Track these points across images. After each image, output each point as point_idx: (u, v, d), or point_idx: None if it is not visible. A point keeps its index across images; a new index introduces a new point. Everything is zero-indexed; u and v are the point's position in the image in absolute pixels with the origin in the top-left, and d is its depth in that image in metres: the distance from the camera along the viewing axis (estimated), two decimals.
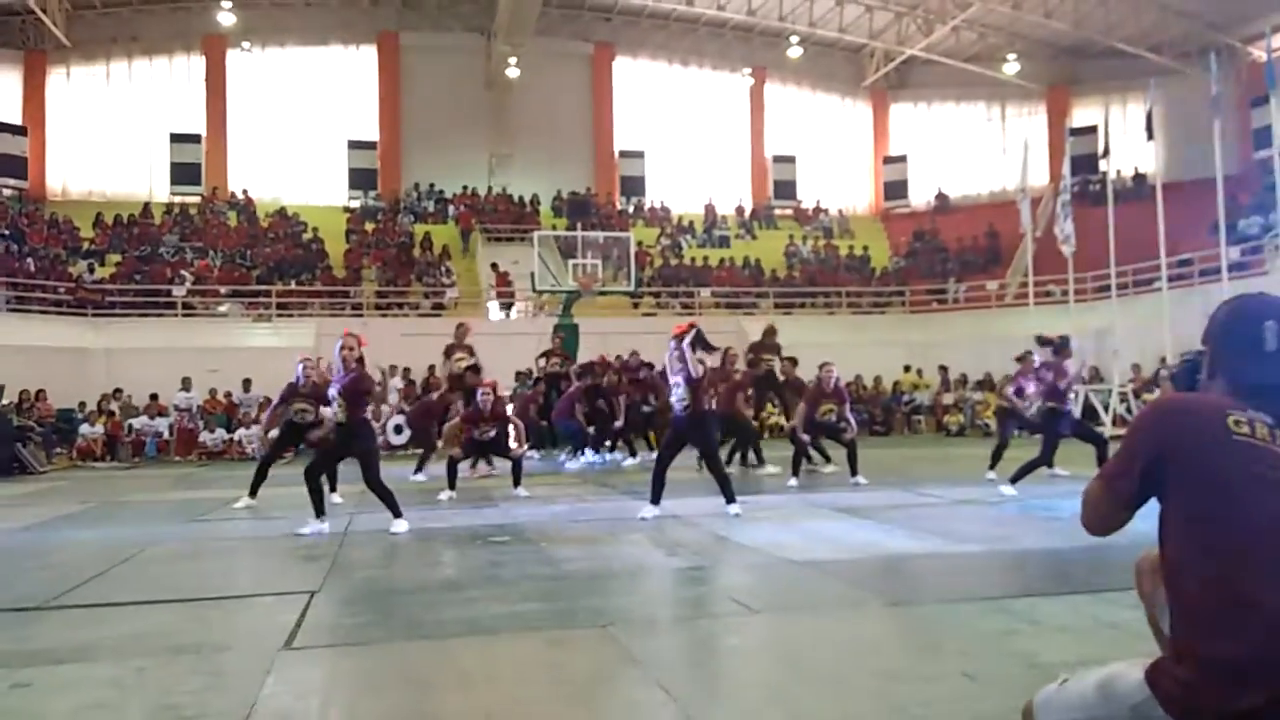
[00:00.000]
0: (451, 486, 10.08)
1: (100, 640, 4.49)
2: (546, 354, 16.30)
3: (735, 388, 12.40)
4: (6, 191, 25.36)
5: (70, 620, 4.94)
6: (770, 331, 14.59)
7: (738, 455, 12.78)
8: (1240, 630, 1.78)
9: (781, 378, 14.12)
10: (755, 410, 13.33)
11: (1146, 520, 6.30)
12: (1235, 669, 1.78)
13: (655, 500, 8.25)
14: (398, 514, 7.71)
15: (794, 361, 14.04)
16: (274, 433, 10.50)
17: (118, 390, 18.31)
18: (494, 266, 24.18)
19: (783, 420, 16.65)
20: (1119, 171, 25.59)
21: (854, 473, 10.72)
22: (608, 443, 14.56)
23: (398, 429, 17.45)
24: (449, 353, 13.90)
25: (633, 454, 14.44)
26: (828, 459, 12.56)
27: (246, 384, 18.81)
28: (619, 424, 14.38)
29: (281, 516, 9.12)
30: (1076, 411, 17.91)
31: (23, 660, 4.12)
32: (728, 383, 11.96)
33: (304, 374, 10.09)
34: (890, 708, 3.31)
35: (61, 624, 4.87)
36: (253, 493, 9.82)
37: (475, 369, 13.24)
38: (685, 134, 31.49)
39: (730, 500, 8.19)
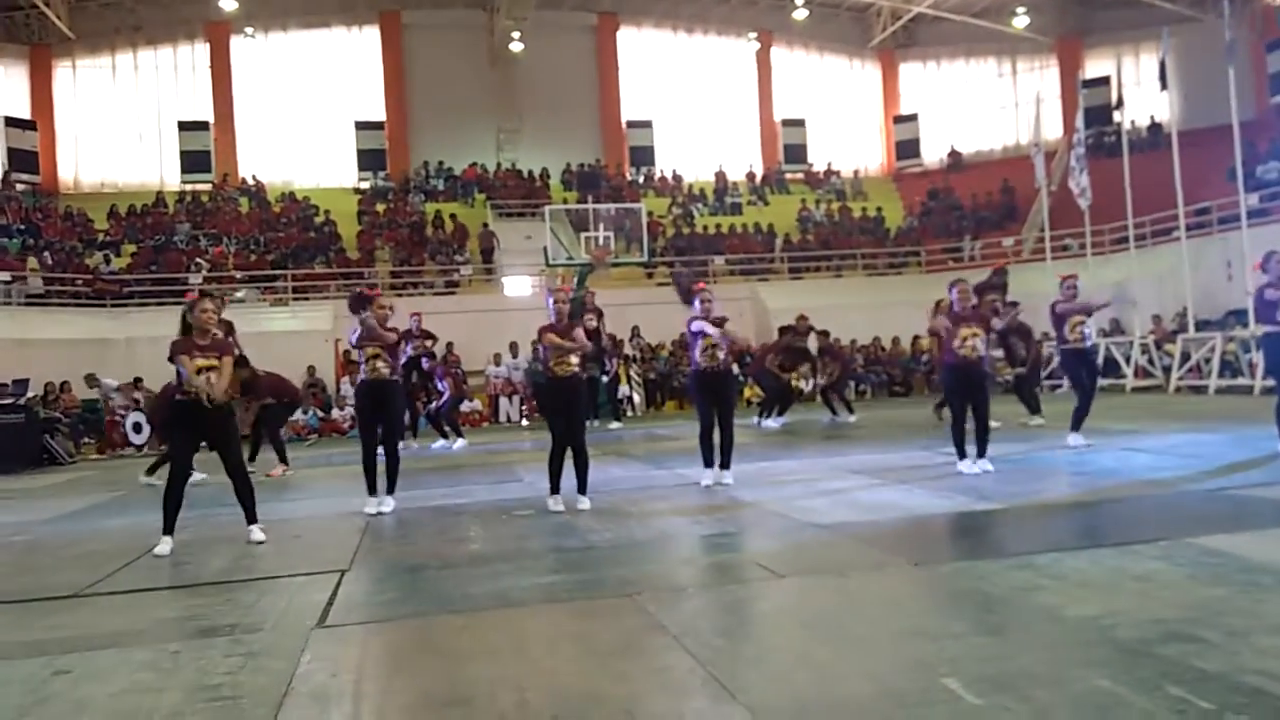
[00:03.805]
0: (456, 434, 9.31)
1: (135, 626, 4.57)
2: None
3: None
4: (20, 186, 25.48)
5: (105, 607, 5.03)
6: (999, 271, 14.03)
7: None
8: None
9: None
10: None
11: (1168, 470, 6.29)
12: None
13: (709, 463, 8.14)
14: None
15: (1014, 305, 12.44)
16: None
17: (139, 379, 18.45)
18: (492, 233, 24.43)
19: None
20: (1133, 122, 25.28)
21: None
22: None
23: (136, 427, 16.65)
24: None
25: (617, 418, 16.67)
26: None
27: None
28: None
29: (306, 498, 9.23)
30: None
31: (61, 647, 4.20)
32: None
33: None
34: (917, 666, 3.34)
35: (97, 611, 4.95)
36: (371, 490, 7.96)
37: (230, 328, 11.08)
38: (693, 102, 31.26)
39: (725, 466, 8.09)
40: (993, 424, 11.28)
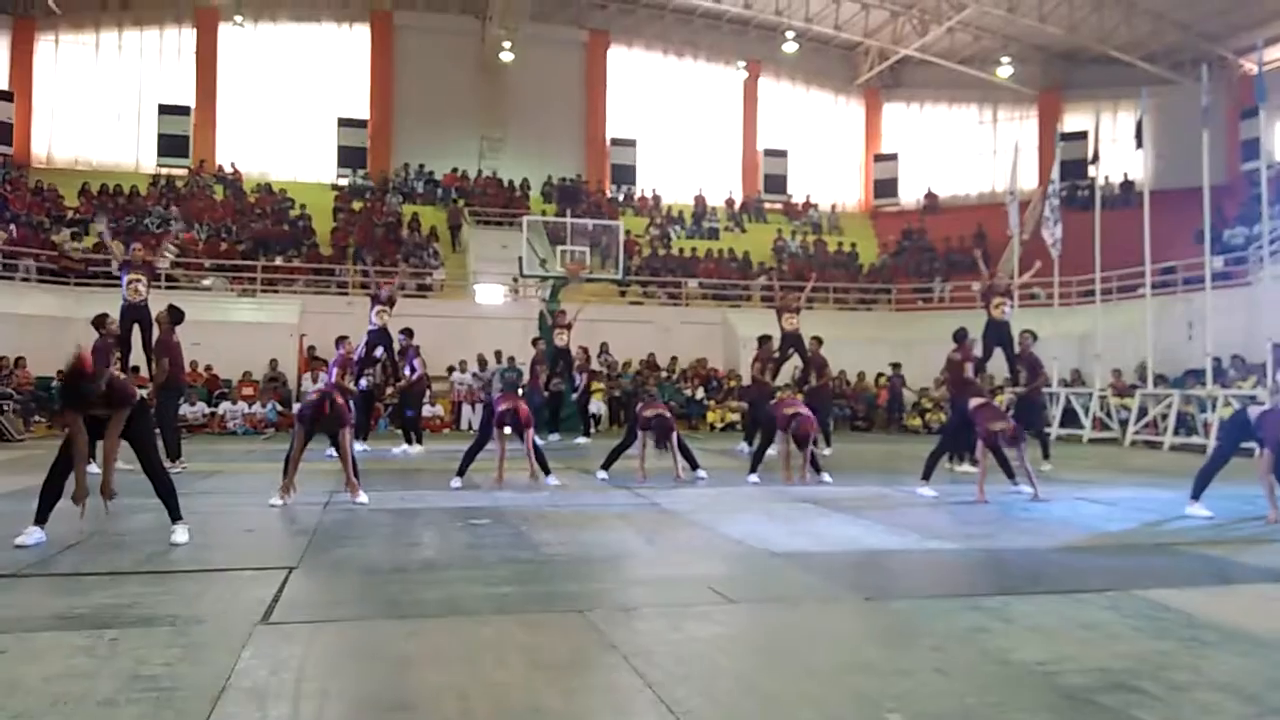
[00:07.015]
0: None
1: (75, 609, 4.47)
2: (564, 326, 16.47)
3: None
4: None
5: (45, 588, 4.92)
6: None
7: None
8: None
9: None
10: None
11: (1119, 522, 6.32)
12: None
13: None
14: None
15: (1029, 333, 13.03)
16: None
17: None
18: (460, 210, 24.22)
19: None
20: (1107, 178, 25.71)
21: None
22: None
23: None
24: None
25: (587, 434, 16.28)
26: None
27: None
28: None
29: (259, 493, 9.10)
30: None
31: None
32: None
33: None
34: (862, 699, 3.34)
35: (37, 592, 4.85)
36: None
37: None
38: (678, 124, 31.50)
39: (604, 467, 10.30)
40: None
